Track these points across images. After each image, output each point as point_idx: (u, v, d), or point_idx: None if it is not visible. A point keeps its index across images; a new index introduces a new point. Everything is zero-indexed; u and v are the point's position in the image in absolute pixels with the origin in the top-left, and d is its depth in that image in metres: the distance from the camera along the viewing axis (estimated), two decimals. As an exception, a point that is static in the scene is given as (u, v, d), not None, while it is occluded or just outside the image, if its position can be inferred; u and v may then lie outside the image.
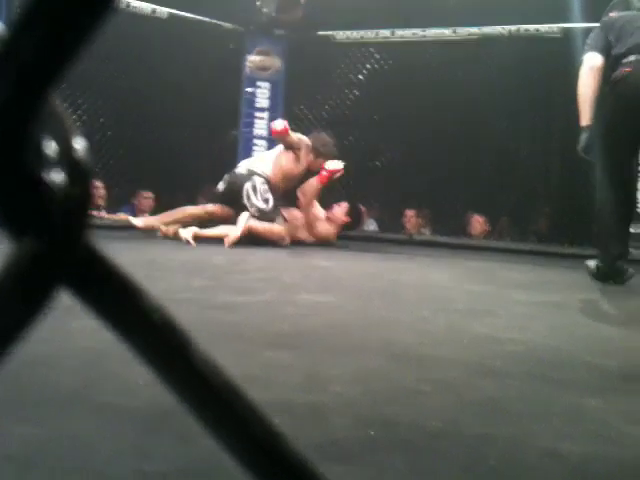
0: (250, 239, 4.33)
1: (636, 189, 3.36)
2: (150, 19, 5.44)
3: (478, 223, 5.61)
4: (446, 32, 5.81)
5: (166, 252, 3.81)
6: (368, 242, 5.35)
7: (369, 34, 5.92)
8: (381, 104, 6.05)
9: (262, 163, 4.66)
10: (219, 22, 5.86)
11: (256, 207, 4.47)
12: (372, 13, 5.77)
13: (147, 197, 5.58)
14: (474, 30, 5.73)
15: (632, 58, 2.96)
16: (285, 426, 1.08)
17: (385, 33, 5.90)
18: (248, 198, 4.47)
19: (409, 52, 5.91)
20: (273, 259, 3.74)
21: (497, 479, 0.96)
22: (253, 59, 5.85)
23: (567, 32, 5.41)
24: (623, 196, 3.08)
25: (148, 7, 5.40)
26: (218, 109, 5.89)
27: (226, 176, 4.66)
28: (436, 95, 5.83)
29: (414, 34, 5.82)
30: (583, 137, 3.11)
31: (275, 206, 4.56)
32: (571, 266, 4.05)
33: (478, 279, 3.42)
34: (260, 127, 5.75)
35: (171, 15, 5.60)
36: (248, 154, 5.54)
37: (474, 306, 2.55)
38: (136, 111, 5.77)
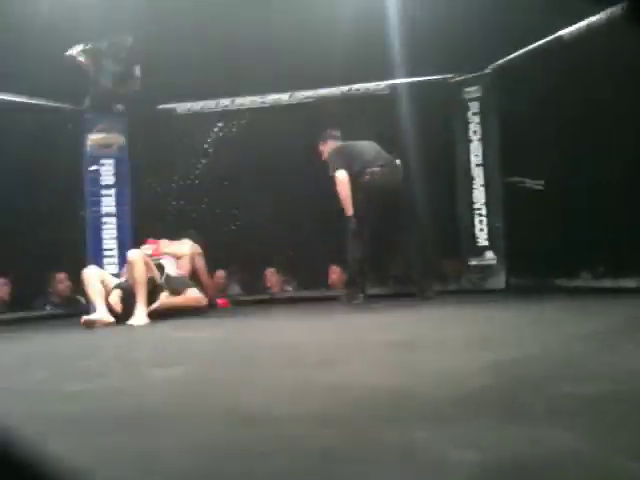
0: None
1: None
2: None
3: (334, 273, 5.80)
4: (284, 97, 6.09)
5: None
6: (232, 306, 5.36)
7: (210, 104, 6.08)
8: (229, 169, 6.18)
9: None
10: (55, 104, 5.76)
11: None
12: (211, 84, 5.94)
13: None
14: (310, 93, 6.05)
15: (367, 170, 4.91)
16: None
17: (225, 102, 6.08)
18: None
19: (251, 118, 6.13)
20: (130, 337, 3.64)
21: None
22: (95, 137, 5.79)
23: (393, 88, 5.86)
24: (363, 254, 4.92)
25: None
26: (63, 192, 5.74)
27: None
28: (282, 156, 6.05)
29: (253, 101, 6.05)
30: (352, 222, 4.84)
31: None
32: (415, 305, 4.28)
33: (332, 329, 3.53)
34: (108, 205, 5.66)
35: (3, 100, 5.44)
36: (97, 233, 5.42)
37: (325, 357, 2.63)
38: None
